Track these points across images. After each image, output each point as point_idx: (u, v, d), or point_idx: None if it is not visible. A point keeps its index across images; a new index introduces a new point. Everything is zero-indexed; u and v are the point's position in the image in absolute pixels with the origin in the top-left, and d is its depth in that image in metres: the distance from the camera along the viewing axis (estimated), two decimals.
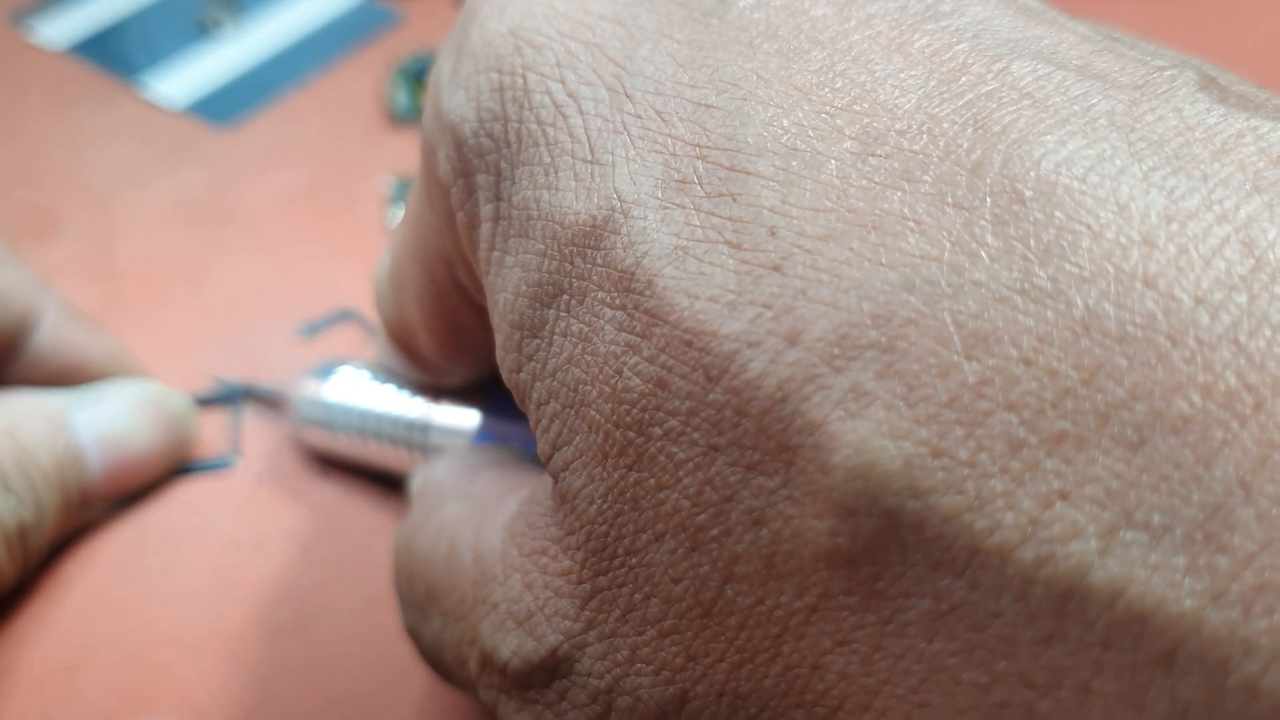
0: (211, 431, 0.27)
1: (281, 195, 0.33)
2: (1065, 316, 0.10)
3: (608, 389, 0.13)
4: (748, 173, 0.12)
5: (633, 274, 0.13)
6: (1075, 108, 0.12)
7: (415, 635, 0.18)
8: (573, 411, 0.13)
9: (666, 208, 0.13)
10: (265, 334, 0.29)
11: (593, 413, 0.13)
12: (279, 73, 0.38)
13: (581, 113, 0.14)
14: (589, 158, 0.14)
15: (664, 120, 0.13)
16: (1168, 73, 0.12)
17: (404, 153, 0.35)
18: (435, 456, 0.23)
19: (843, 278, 0.11)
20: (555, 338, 0.14)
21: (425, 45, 0.39)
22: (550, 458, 0.14)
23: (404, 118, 0.36)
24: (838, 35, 0.13)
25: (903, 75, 0.13)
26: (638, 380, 0.13)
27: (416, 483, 0.21)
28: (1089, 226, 0.11)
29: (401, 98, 0.36)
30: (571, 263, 0.14)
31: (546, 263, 0.14)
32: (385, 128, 0.36)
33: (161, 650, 0.23)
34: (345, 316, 0.30)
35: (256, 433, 0.27)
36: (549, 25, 0.15)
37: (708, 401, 0.12)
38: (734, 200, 0.12)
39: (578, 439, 0.13)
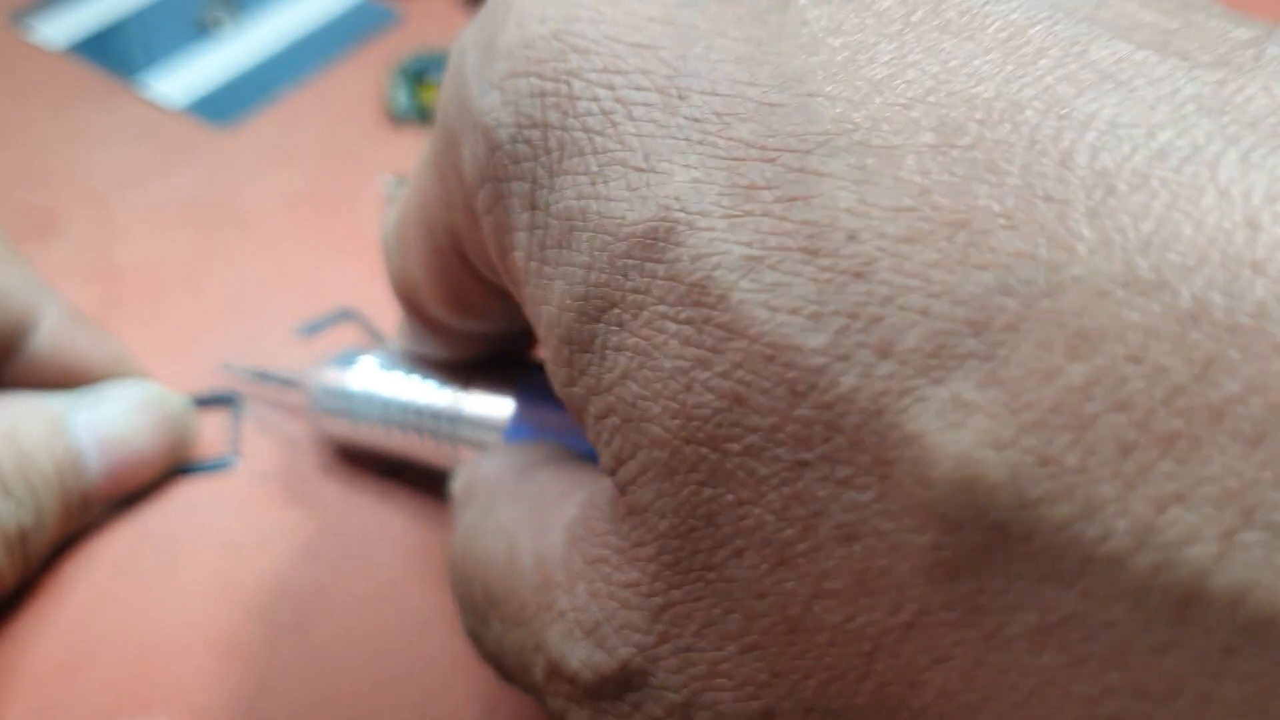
0: (211, 432, 0.27)
1: (281, 195, 0.33)
2: (1172, 308, 0.10)
3: (675, 405, 0.12)
4: (820, 174, 0.12)
5: (704, 287, 0.12)
6: (1161, 91, 0.11)
7: (476, 639, 0.18)
8: (634, 426, 0.13)
9: (734, 215, 0.12)
10: (265, 334, 0.29)
11: (656, 428, 0.13)
12: (279, 72, 0.38)
13: (632, 118, 0.13)
14: (643, 165, 0.13)
15: (724, 122, 0.13)
16: (1250, 50, 0.12)
17: (404, 153, 0.35)
18: (477, 453, 0.22)
19: (933, 282, 0.11)
20: (609, 352, 0.13)
21: (425, 45, 0.39)
22: (615, 471, 0.13)
23: (404, 118, 0.36)
24: (905, 27, 0.13)
25: (977, 62, 0.12)
26: (711, 396, 0.12)
27: (460, 481, 0.21)
28: (1189, 214, 0.10)
29: (401, 98, 0.36)
30: (626, 275, 0.13)
31: (593, 275, 0.13)
32: (385, 128, 0.36)
33: (161, 650, 0.23)
34: (345, 316, 0.30)
35: (256, 433, 0.27)
36: (594, 29, 0.14)
37: (794, 417, 0.11)
38: (807, 204, 0.12)
39: (641, 453, 0.13)
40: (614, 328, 0.13)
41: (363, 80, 0.38)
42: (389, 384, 0.24)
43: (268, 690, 0.22)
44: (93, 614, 0.23)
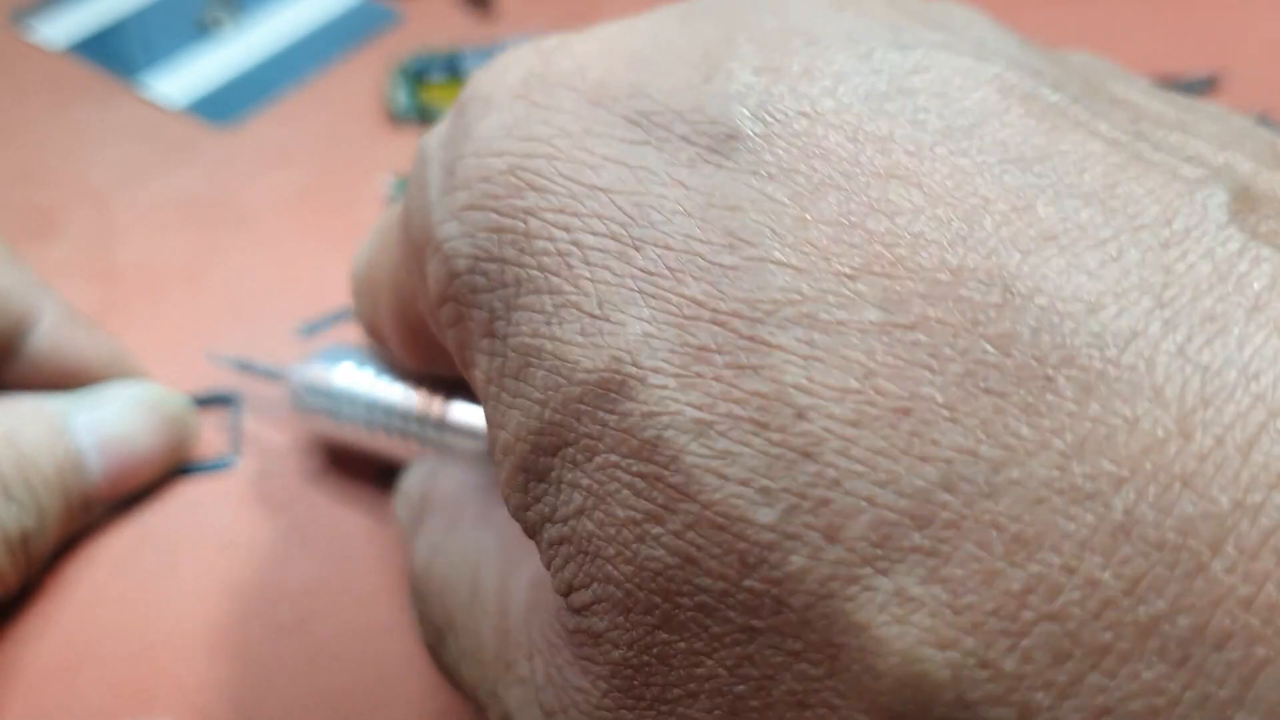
0: (211, 432, 0.27)
1: (281, 195, 0.33)
2: (1105, 520, 0.10)
3: (627, 551, 0.12)
4: (769, 345, 0.12)
5: (655, 445, 0.12)
6: (1104, 256, 0.11)
7: (432, 651, 0.18)
8: (588, 559, 0.13)
9: (685, 375, 0.12)
10: (265, 334, 0.29)
11: (610, 569, 0.13)
12: (279, 72, 0.38)
13: (588, 263, 0.13)
14: (596, 312, 0.13)
15: (676, 278, 0.13)
16: (1198, 196, 0.12)
17: (404, 152, 0.35)
18: (434, 458, 0.23)
19: (878, 470, 0.11)
20: (564, 487, 0.13)
21: (425, 45, 0.39)
22: (567, 595, 0.14)
23: (404, 117, 0.36)
24: (852, 170, 0.13)
25: (923, 220, 0.12)
26: (662, 551, 0.12)
27: (413, 487, 0.21)
28: (1125, 418, 0.10)
29: (401, 97, 0.36)
30: (579, 419, 0.13)
31: (548, 413, 0.13)
32: (385, 127, 0.36)
33: (161, 650, 0.23)
34: (345, 316, 0.30)
35: (256, 433, 0.27)
36: (551, 166, 0.14)
37: (744, 586, 0.12)
38: (756, 374, 0.12)
39: (595, 586, 0.13)
40: (569, 465, 0.13)
41: (363, 80, 0.38)
42: (372, 385, 0.24)
43: (267, 689, 0.22)
44: (93, 614, 0.23)
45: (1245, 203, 0.12)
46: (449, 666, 0.18)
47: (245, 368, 0.27)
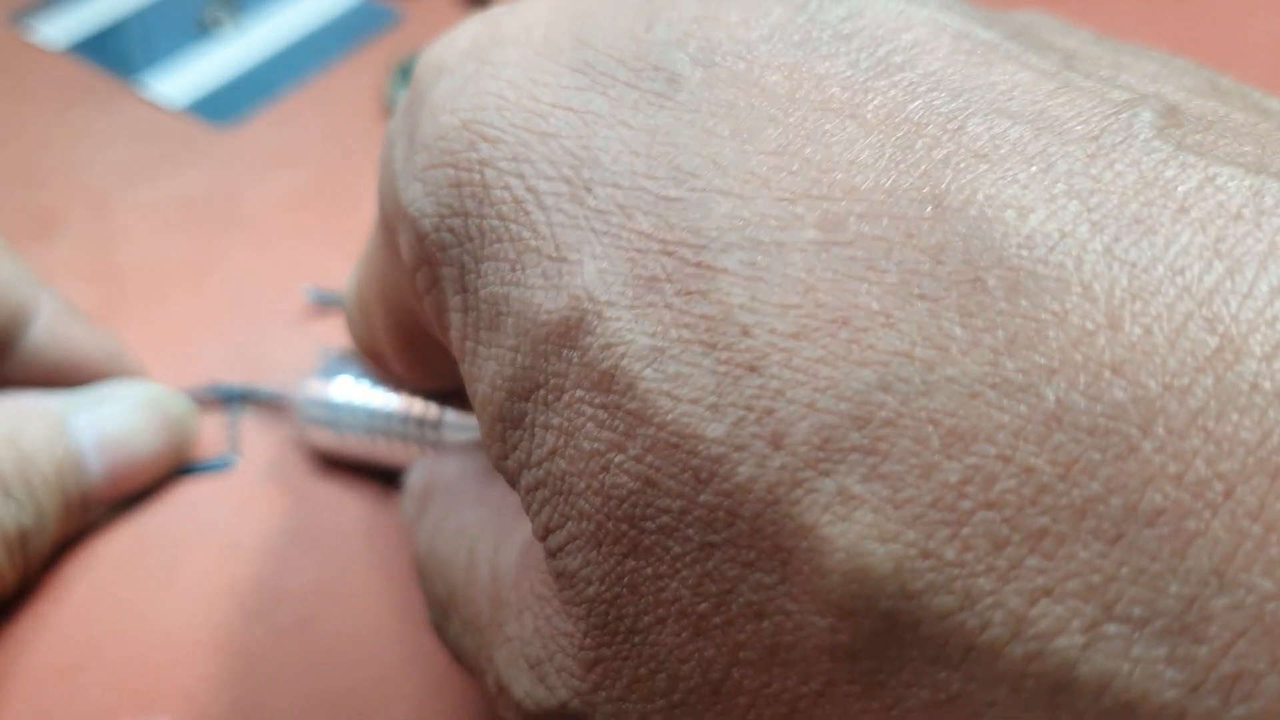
0: (211, 432, 0.27)
1: (282, 195, 0.33)
2: (1037, 410, 0.10)
3: (595, 483, 0.13)
4: (714, 269, 0.12)
5: (612, 376, 0.13)
6: (1033, 169, 0.12)
7: (439, 630, 0.19)
8: (562, 499, 0.14)
9: (638, 307, 0.13)
10: (266, 333, 0.29)
11: (582, 503, 0.13)
12: (279, 72, 0.38)
13: (543, 208, 0.14)
14: (554, 254, 0.14)
15: (626, 215, 0.13)
16: (1124, 115, 0.12)
17: None
18: (437, 452, 0.23)
19: (819, 377, 0.11)
20: (537, 430, 0.14)
21: (425, 45, 0.39)
22: (544, 539, 0.14)
23: None
24: (790, 106, 0.13)
25: (858, 147, 0.13)
26: (626, 478, 0.13)
27: (417, 479, 0.21)
28: (1054, 313, 0.11)
29: (401, 97, 0.36)
30: (546, 360, 0.14)
31: (520, 358, 0.14)
32: (385, 127, 0.36)
33: (161, 650, 0.23)
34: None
35: (256, 433, 0.27)
36: (502, 117, 0.15)
37: (699, 502, 0.12)
38: (704, 298, 0.12)
39: (569, 524, 0.13)
40: (541, 407, 0.14)
41: (363, 80, 0.38)
42: (372, 394, 0.24)
43: (268, 690, 0.22)
44: (93, 614, 0.23)
45: (1172, 119, 0.12)
46: (453, 643, 0.18)
47: (247, 396, 0.27)
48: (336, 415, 0.25)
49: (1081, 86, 0.13)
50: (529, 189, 0.14)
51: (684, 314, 0.12)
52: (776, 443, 0.11)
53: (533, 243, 0.14)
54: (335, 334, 0.29)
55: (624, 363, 0.13)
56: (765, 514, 0.12)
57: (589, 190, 0.14)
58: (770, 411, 0.12)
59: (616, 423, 0.13)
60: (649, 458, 0.12)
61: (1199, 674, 0.09)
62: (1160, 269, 0.11)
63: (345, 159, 0.35)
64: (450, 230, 0.15)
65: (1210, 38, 0.38)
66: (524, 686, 0.15)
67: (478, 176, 0.15)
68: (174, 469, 0.26)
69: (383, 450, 0.24)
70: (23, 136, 0.35)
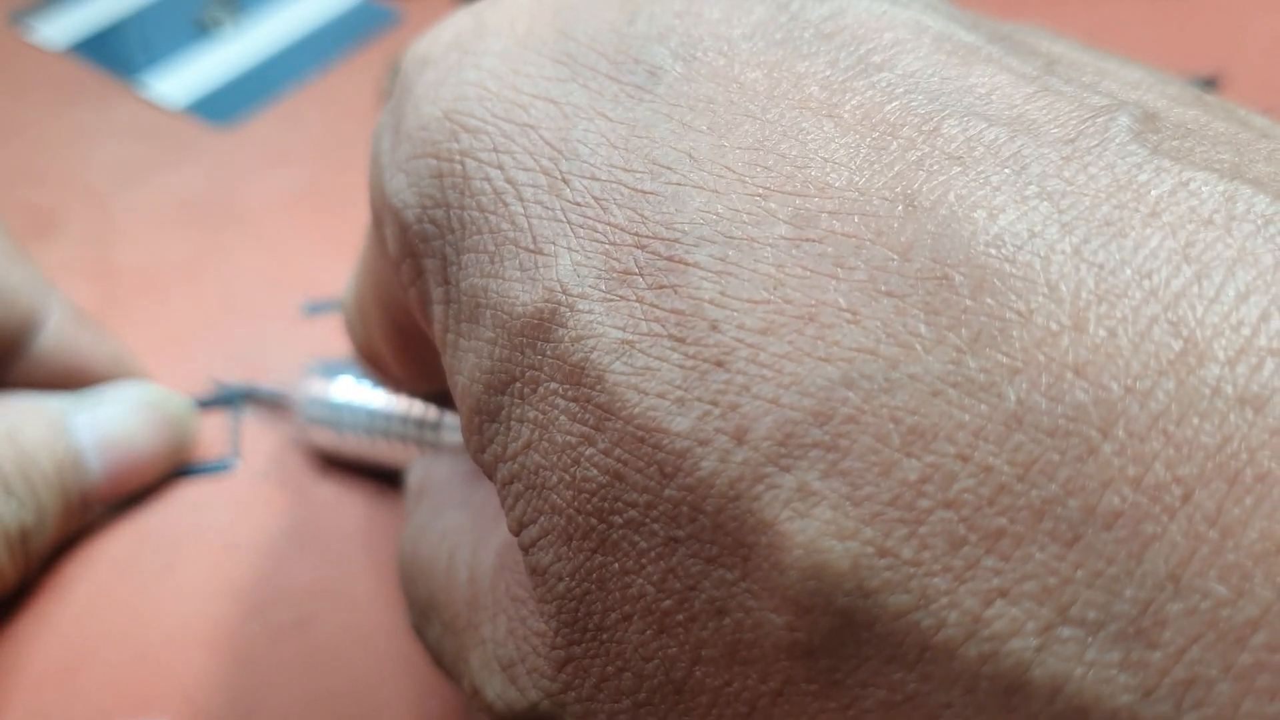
0: (211, 433, 0.27)
1: (281, 194, 0.33)
2: (998, 410, 0.10)
3: (567, 476, 0.13)
4: (686, 264, 0.12)
5: (582, 368, 0.13)
6: (1006, 172, 0.12)
7: (419, 634, 0.19)
8: (535, 493, 0.14)
9: (610, 300, 0.13)
10: (265, 333, 0.29)
11: (554, 497, 0.13)
12: (279, 72, 0.38)
13: (521, 199, 0.14)
14: (531, 246, 0.14)
15: (602, 208, 0.13)
16: (1101, 119, 0.12)
17: None
18: (435, 453, 0.23)
19: (784, 373, 0.11)
20: (513, 423, 0.14)
21: None
22: (518, 533, 0.14)
23: None
24: (768, 103, 0.13)
25: (834, 146, 0.13)
26: (595, 471, 0.13)
27: (414, 478, 0.21)
28: (1019, 312, 0.11)
29: None
30: (522, 353, 0.14)
31: (497, 350, 0.14)
32: None
33: (161, 650, 0.23)
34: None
35: (256, 433, 0.27)
36: (482, 107, 0.15)
37: (664, 497, 0.12)
38: (675, 292, 0.12)
39: (542, 519, 0.13)
40: (517, 400, 0.14)
41: (363, 80, 0.38)
42: (373, 394, 0.24)
43: (267, 689, 0.22)
44: (93, 614, 0.23)
45: (1150, 124, 0.12)
46: (433, 646, 0.18)
47: (249, 394, 0.27)
48: (337, 415, 0.25)
49: (1061, 91, 0.13)
50: (508, 180, 0.14)
51: (654, 308, 0.12)
52: (740, 438, 0.11)
53: (511, 234, 0.14)
54: (334, 334, 0.29)
55: (594, 355, 0.13)
56: (727, 509, 0.11)
57: (566, 182, 0.14)
58: (735, 406, 0.12)
59: (587, 416, 0.13)
60: (617, 451, 0.12)
61: (1152, 679, 0.09)
62: (1128, 271, 0.11)
63: (344, 159, 0.35)
64: (433, 222, 0.15)
65: (1210, 38, 0.38)
66: (496, 689, 0.15)
67: (459, 167, 0.15)
68: (174, 469, 0.26)
69: (383, 451, 0.25)
70: (22, 136, 0.35)
